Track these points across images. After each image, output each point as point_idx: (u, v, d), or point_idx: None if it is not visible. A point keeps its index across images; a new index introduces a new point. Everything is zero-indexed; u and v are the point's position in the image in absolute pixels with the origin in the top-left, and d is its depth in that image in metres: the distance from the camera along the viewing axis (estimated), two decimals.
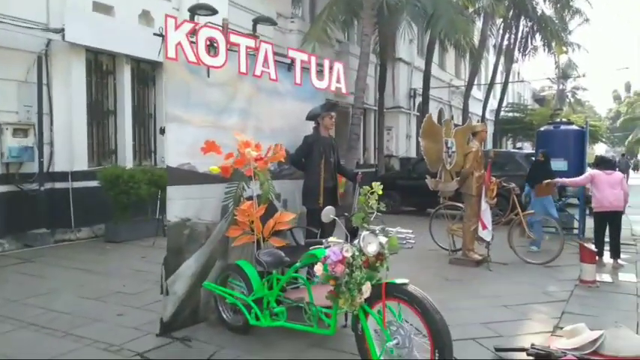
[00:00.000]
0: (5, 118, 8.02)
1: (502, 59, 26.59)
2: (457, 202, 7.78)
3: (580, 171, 9.12)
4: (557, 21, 26.13)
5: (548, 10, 26.32)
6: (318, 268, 3.17)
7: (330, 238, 3.30)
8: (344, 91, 5.57)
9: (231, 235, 4.06)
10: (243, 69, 4.35)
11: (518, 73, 35.40)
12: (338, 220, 3.43)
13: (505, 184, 7.54)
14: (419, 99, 21.23)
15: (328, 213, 3.42)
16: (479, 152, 7.06)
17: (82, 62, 8.98)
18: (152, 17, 10.21)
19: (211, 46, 4.22)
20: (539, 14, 25.21)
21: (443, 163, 7.61)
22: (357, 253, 3.13)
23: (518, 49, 26.93)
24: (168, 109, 4.09)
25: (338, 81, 5.44)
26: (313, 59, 5.12)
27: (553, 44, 26.56)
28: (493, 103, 27.98)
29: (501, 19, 23.69)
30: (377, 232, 3.40)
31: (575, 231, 9.52)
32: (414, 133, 20.72)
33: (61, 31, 8.41)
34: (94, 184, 8.64)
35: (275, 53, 4.75)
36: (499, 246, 7.54)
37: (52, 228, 8.45)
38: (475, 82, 23.34)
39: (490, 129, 31.05)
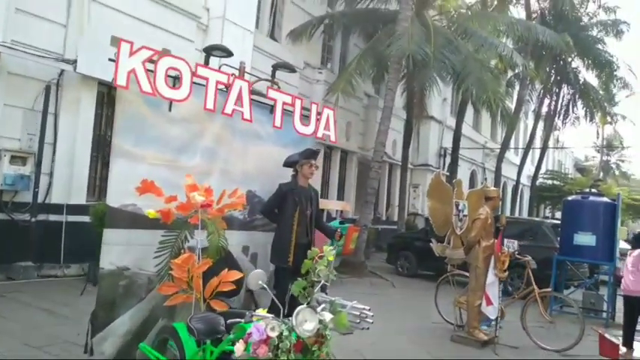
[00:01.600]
0: (6, 145, 7.89)
1: (542, 124, 25.81)
2: (467, 270, 7.01)
3: (609, 247, 8.22)
4: (601, 91, 25.31)
5: (592, 79, 25.60)
6: (239, 348, 2.56)
7: (259, 310, 2.70)
8: (333, 139, 5.11)
9: (164, 293, 3.52)
10: (210, 105, 3.93)
11: (558, 140, 34.27)
12: (267, 289, 2.82)
13: (519, 256, 6.74)
14: (450, 158, 20.59)
15: (256, 278, 2.82)
16: (488, 219, 6.36)
17: (92, 94, 8.89)
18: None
19: (177, 78, 3.84)
20: (581, 82, 24.48)
21: (452, 227, 6.94)
22: (285, 333, 2.51)
23: (559, 117, 26.12)
24: (116, 142, 3.69)
25: (327, 128, 4.98)
26: (298, 102, 4.68)
27: (596, 114, 25.65)
28: (530, 169, 26.94)
29: (541, 85, 23.09)
30: (322, 306, 2.80)
31: (605, 314, 8.48)
32: None
33: (74, 62, 8.37)
34: (88, 219, 8.33)
35: (253, 92, 4.34)
36: (511, 326, 6.68)
37: (39, 262, 8.11)
38: (511, 147, 22.58)
39: (526, 195, 29.90)
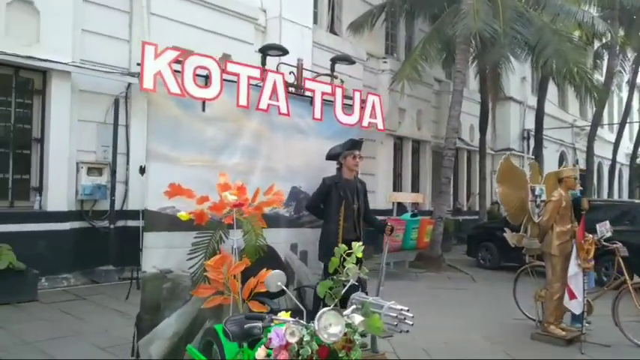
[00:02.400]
0: (83, 158, 8.37)
1: (638, 96, 23.48)
2: None
3: None
4: None
5: None
6: (260, 354, 2.40)
7: (281, 314, 2.52)
8: (380, 127, 4.83)
9: (200, 295, 3.45)
10: (242, 102, 3.83)
11: None
12: (287, 291, 2.62)
13: (607, 244, 6.03)
14: (534, 141, 19.27)
15: (275, 280, 2.64)
16: (562, 202, 5.75)
17: None
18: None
19: (207, 77, 3.77)
20: None
21: (528, 215, 6.36)
22: (307, 338, 2.31)
23: None
24: (150, 147, 3.68)
25: (373, 116, 4.71)
26: (339, 91, 4.46)
27: None
28: (629, 147, 24.63)
29: (634, 53, 20.94)
30: (352, 307, 2.57)
31: None
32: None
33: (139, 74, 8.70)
34: None
35: (289, 84, 4.18)
36: (602, 321, 6.01)
37: (119, 265, 8.54)
38: (604, 123, 20.73)
39: (625, 175, 27.34)
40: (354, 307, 2.60)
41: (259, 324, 2.40)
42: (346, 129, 4.67)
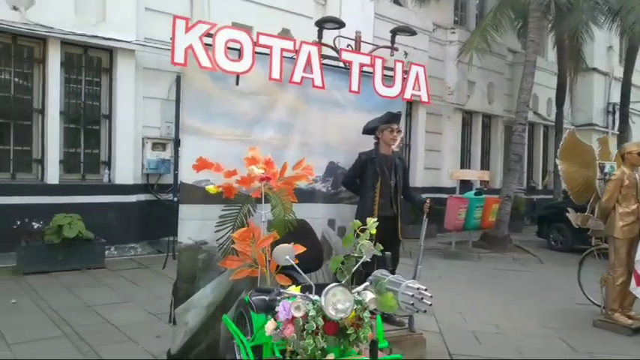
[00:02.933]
0: (148, 133, 8.75)
1: None
2: None
3: None
4: None
5: None
6: (269, 327, 2.39)
7: (291, 288, 2.48)
8: (424, 99, 4.58)
9: (228, 267, 3.48)
10: (275, 75, 3.76)
11: None
12: (294, 265, 2.55)
13: None
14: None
15: (282, 254, 2.58)
16: (623, 180, 5.26)
17: None
18: (292, 35, 10.26)
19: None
20: None
21: (595, 194, 5.89)
22: (312, 313, 2.26)
23: None
24: (184, 120, 3.73)
25: (417, 88, 4.49)
26: (378, 62, 4.27)
27: None
28: None
29: None
30: (365, 284, 2.48)
31: None
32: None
33: None
34: None
35: (324, 56, 4.05)
36: None
37: None
38: None
39: None
40: (367, 284, 2.50)
41: (277, 297, 2.38)
42: (387, 101, 4.47)
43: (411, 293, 2.57)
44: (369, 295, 2.40)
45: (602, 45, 17.61)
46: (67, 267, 6.73)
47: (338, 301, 2.29)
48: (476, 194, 9.93)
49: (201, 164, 3.35)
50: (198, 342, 3.81)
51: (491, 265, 8.87)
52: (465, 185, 11.80)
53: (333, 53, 4.78)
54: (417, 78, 4.48)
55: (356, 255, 2.66)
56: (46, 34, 7.50)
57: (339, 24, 9.00)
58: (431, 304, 2.60)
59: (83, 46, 8.06)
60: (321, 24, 9.01)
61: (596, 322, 5.49)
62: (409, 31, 10.00)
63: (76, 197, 7.84)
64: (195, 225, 3.72)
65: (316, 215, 4.21)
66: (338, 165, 4.36)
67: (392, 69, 4.50)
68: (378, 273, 2.83)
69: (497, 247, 10.26)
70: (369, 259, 2.64)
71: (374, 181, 4.16)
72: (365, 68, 4.29)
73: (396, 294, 2.60)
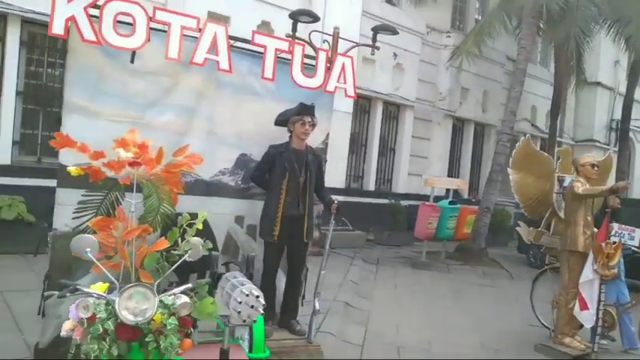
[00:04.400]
0: None
1: None
2: None
3: None
4: None
5: None
6: (66, 327, 2.10)
7: (96, 285, 2.18)
8: (350, 93, 4.25)
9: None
10: (172, 54, 3.47)
11: None
12: (94, 260, 2.24)
13: (637, 248, 5.05)
14: None
15: (83, 245, 2.28)
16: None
17: None
18: (272, 29, 9.99)
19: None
20: None
21: (552, 209, 5.51)
22: (102, 315, 1.96)
23: None
24: (67, 96, 3.45)
25: (342, 80, 4.17)
26: (298, 49, 3.96)
27: None
28: None
29: None
30: (184, 287, 2.18)
31: None
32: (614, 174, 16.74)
33: None
34: None
35: (233, 38, 3.75)
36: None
37: None
38: None
39: None
40: (189, 285, 2.19)
41: (67, 294, 2.09)
42: (316, 94, 4.16)
43: (240, 300, 2.26)
44: (182, 299, 2.09)
45: (609, 59, 17.08)
46: (1, 250, 6.50)
47: (136, 304, 1.99)
48: (450, 203, 9.55)
49: (63, 141, 3.05)
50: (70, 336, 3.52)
51: (458, 278, 8.48)
52: (455, 195, 11.39)
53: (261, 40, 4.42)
54: (342, 69, 4.17)
55: (177, 252, 2.36)
56: (5, 10, 7.31)
57: (314, 18, 8.75)
58: (263, 313, 2.28)
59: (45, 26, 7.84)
60: (296, 17, 8.75)
61: (538, 347, 5.11)
62: (391, 30, 9.75)
63: (29, 180, 7.61)
64: (72, 211, 3.45)
65: (221, 211, 3.92)
66: (251, 158, 4.06)
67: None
68: (230, 276, 2.53)
69: (471, 259, 9.84)
70: (192, 260, 2.33)
71: (281, 177, 3.85)
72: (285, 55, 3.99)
73: (230, 299, 2.28)
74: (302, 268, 4.13)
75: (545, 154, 5.64)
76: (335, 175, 10.70)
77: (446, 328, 5.56)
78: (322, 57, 4.09)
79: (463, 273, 8.95)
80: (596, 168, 5.07)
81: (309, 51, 4.30)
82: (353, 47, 9.64)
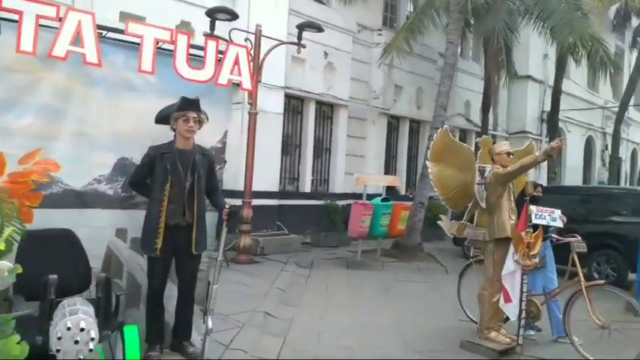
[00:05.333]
0: None
1: None
2: None
3: None
4: None
5: None
6: None
7: None
8: (246, 85, 3.94)
9: None
10: (26, 47, 3.04)
11: None
12: None
13: (558, 237, 4.98)
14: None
15: None
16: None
17: None
18: (193, 29, 9.52)
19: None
20: None
21: (474, 200, 5.35)
22: None
23: None
24: None
25: (236, 72, 3.84)
26: (182, 38, 3.60)
27: None
28: None
29: None
30: None
31: None
32: (545, 164, 17.20)
33: None
34: None
35: (102, 27, 3.35)
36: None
37: None
38: (633, 104, 18.88)
39: None
40: None
41: None
42: (206, 87, 3.81)
43: (60, 335, 1.86)
44: None
45: (539, 53, 17.56)
46: None
47: None
48: (383, 200, 9.39)
49: None
50: None
51: (392, 276, 8.30)
52: (391, 192, 11.22)
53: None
54: (236, 61, 3.82)
55: None
56: None
57: (232, 15, 8.37)
58: (92, 350, 1.88)
59: None
60: (213, 14, 8.35)
61: (464, 344, 4.93)
62: (316, 27, 9.52)
63: None
64: None
65: (98, 224, 3.50)
66: (132, 162, 3.66)
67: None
68: (68, 303, 2.12)
69: (406, 255, 9.73)
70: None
71: (163, 181, 3.43)
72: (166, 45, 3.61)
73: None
74: (192, 283, 3.72)
75: (465, 144, 5.50)
76: (268, 178, 10.36)
77: (371, 331, 5.30)
78: (211, 47, 3.74)
79: (397, 270, 8.79)
80: (511, 156, 4.96)
81: (200, 42, 3.92)
82: (277, 45, 9.36)
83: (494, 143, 5.66)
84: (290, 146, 11.64)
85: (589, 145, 20.88)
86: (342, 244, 10.71)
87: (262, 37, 8.89)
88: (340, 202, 11.74)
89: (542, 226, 4.91)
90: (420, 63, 14.02)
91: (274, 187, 10.58)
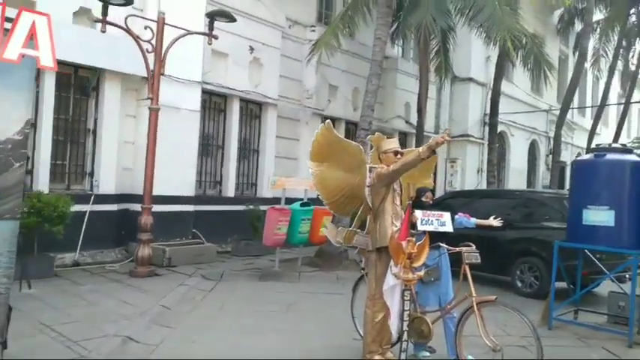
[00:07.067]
0: None
1: (624, 83, 21.63)
2: None
3: (636, 227, 5.55)
4: None
5: None
6: None
7: None
8: (47, 63, 3.19)
9: None
10: None
11: None
12: None
13: (450, 247, 4.43)
14: (501, 127, 17.53)
15: None
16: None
17: None
18: (93, 16, 8.65)
19: None
20: None
21: (365, 204, 4.74)
22: None
23: None
24: None
25: (33, 45, 3.09)
26: None
27: None
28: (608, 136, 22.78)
29: (617, 33, 19.08)
30: None
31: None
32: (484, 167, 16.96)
33: None
34: None
35: None
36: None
37: None
38: (573, 107, 18.96)
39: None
40: None
41: None
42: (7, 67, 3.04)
43: None
44: None
45: (481, 56, 17.36)
46: None
47: None
48: (303, 205, 8.74)
49: None
50: None
51: (305, 288, 7.65)
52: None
53: None
54: (32, 31, 3.07)
55: None
56: None
57: (126, 1, 7.59)
58: None
59: None
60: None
61: None
62: (228, 17, 8.78)
63: None
64: None
65: None
66: None
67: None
68: None
69: (329, 264, 9.12)
70: None
71: None
72: None
73: None
74: None
75: (353, 142, 4.87)
76: (181, 181, 9.56)
77: (249, 356, 4.63)
78: None
79: (314, 280, 8.17)
80: (399, 155, 4.40)
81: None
82: (183, 35, 8.58)
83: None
84: (211, 147, 10.87)
85: (533, 148, 20.89)
86: (265, 252, 9.97)
87: (170, 27, 8.12)
88: (265, 208, 11.02)
89: (430, 232, 4.38)
90: (357, 62, 13.50)
91: (189, 191, 9.78)
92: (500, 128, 17.03)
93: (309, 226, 8.76)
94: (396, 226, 4.25)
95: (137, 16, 8.06)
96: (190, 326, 5.45)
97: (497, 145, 15.35)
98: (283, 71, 12.02)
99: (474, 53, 16.88)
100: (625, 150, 6.02)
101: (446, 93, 16.94)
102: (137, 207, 8.26)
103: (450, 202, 9.48)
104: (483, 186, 16.45)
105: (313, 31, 12.71)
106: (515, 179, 18.98)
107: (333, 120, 13.36)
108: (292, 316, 6.12)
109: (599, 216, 5.61)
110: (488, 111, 17.70)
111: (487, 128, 17.67)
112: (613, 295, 6.24)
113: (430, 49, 13.50)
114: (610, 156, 5.76)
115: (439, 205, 9.20)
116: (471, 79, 17.02)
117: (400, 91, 15.16)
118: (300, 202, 8.89)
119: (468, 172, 17.01)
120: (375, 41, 10.36)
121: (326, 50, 11.10)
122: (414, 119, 15.96)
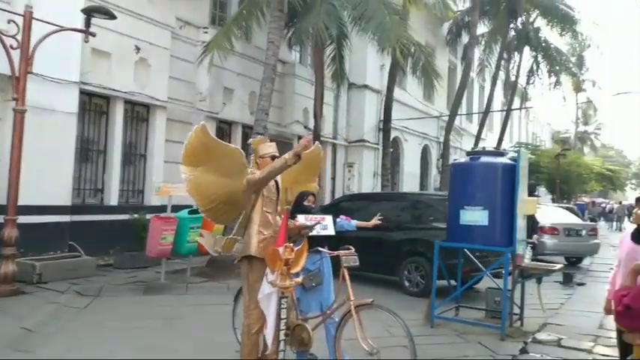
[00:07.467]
0: None
1: (506, 92, 23.48)
2: None
3: (507, 226, 5.86)
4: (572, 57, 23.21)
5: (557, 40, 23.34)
6: None
7: None
8: None
9: None
10: None
11: (527, 111, 31.87)
12: None
13: (329, 252, 4.37)
14: (395, 133, 18.18)
15: None
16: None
17: None
18: None
19: None
20: (543, 42, 22.12)
21: (245, 212, 4.52)
22: None
23: (527, 82, 23.93)
24: None
25: None
26: None
27: (565, 79, 23.51)
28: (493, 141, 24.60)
29: (498, 44, 20.68)
30: None
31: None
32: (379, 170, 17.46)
33: None
34: None
35: None
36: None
37: None
38: (460, 113, 20.20)
39: None
40: None
41: None
42: None
43: None
44: None
45: (376, 64, 17.88)
46: None
47: None
48: (191, 212, 8.33)
49: None
50: None
51: (192, 300, 7.27)
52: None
53: None
54: None
55: None
56: None
57: None
58: None
59: None
60: None
61: None
62: (106, 13, 8.16)
63: None
64: None
65: None
66: None
67: None
68: None
69: (221, 274, 8.78)
70: None
71: None
72: None
73: None
74: None
75: (232, 145, 4.65)
76: (55, 189, 8.72)
77: None
78: None
79: (202, 292, 7.81)
80: (273, 158, 4.25)
81: None
82: (55, 32, 7.85)
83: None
84: (92, 152, 10.07)
85: (425, 153, 21.92)
86: (152, 264, 9.37)
87: (40, 22, 7.38)
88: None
89: (313, 237, 4.29)
90: (253, 66, 13.24)
91: (65, 200, 8.95)
92: (394, 134, 17.68)
93: (198, 235, 8.36)
94: (264, 234, 4.11)
95: (2, 10, 7.24)
96: (54, 350, 4.89)
97: (391, 150, 15.86)
98: (174, 73, 11.49)
99: (369, 61, 17.34)
100: (497, 153, 6.38)
101: (343, 99, 17.23)
102: (1, 219, 7.39)
103: (344, 204, 9.60)
104: (378, 189, 16.97)
105: (206, 32, 12.28)
106: (410, 183, 19.78)
107: (229, 123, 13.26)
108: (171, 334, 5.71)
109: (474, 216, 5.87)
110: (382, 117, 18.36)
111: (382, 134, 18.31)
112: (490, 291, 6.56)
113: (326, 55, 13.67)
114: (484, 159, 6.06)
115: (335, 207, 9.31)
116: (366, 86, 17.45)
117: (298, 97, 15.16)
118: (189, 209, 8.46)
119: (365, 176, 17.41)
120: (268, 45, 10.24)
121: (218, 52, 10.76)
122: (312, 124, 16.11)
